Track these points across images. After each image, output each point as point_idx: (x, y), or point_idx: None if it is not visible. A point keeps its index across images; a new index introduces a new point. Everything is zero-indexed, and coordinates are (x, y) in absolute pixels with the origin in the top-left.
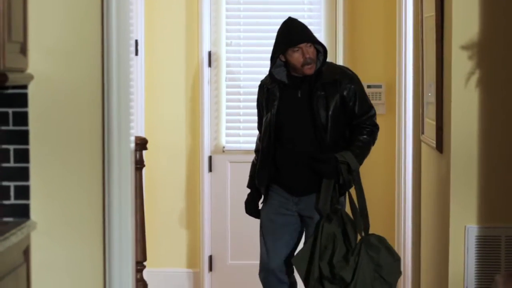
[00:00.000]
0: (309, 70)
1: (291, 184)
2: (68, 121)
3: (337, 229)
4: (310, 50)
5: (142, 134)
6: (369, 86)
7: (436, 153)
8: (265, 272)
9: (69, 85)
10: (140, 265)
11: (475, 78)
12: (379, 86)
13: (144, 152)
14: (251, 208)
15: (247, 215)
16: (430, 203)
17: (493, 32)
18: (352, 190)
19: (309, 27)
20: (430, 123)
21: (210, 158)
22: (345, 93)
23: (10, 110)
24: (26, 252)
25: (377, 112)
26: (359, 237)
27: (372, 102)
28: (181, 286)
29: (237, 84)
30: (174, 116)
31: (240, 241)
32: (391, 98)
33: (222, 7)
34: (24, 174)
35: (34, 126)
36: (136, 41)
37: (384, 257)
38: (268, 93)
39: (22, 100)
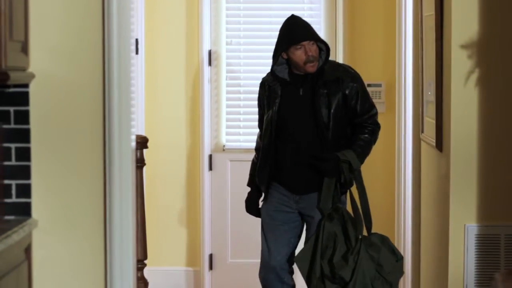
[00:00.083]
0: (312, 68)
1: (292, 182)
2: (69, 119)
3: (338, 227)
4: (312, 48)
5: (142, 132)
6: (369, 85)
7: (435, 151)
8: (265, 270)
9: (70, 83)
10: (140, 264)
11: (474, 77)
12: (379, 85)
13: (144, 150)
14: (251, 206)
15: (247, 214)
16: (430, 201)
17: (493, 31)
18: (354, 189)
19: None
20: (429, 121)
21: (210, 156)
22: (347, 91)
23: (11, 109)
24: (28, 250)
25: (377, 111)
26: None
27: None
28: (182, 284)
29: (237, 83)
30: (175, 114)
31: (240, 239)
32: (391, 97)
33: (222, 6)
34: (25, 172)
35: (35, 125)
36: (137, 40)
37: (385, 256)
38: (270, 91)
39: (23, 98)
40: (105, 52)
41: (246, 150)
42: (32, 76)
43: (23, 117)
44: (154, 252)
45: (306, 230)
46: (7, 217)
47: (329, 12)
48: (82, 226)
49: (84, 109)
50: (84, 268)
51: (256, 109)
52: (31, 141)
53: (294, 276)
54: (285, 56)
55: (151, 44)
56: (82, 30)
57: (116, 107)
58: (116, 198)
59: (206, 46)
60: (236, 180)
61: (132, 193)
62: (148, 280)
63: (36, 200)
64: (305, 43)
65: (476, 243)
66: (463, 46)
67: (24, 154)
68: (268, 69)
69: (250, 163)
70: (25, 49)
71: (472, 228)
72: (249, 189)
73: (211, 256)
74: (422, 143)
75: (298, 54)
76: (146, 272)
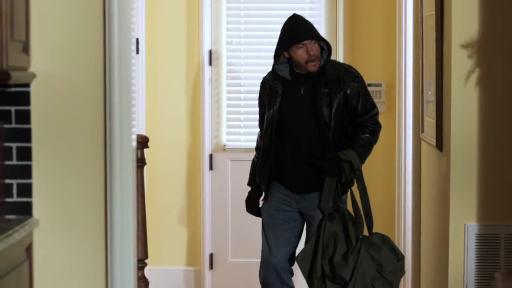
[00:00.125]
0: (313, 67)
1: (293, 181)
2: (70, 119)
3: (338, 227)
4: (314, 47)
5: (143, 132)
6: (369, 85)
7: (436, 151)
8: (266, 269)
9: (71, 83)
10: (141, 263)
11: (474, 76)
12: (379, 85)
13: (145, 150)
14: (251, 206)
15: (248, 213)
16: (430, 201)
17: (493, 31)
18: (354, 188)
19: None
20: (430, 121)
21: (210, 156)
22: (348, 91)
23: (12, 108)
24: (29, 250)
25: (379, 111)
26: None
27: None
28: (182, 284)
29: (238, 83)
30: (175, 114)
31: (240, 239)
32: (391, 97)
33: (222, 5)
34: (26, 172)
35: (36, 124)
36: (137, 40)
37: (385, 256)
38: (271, 90)
39: (24, 98)
40: (106, 52)
41: (247, 150)
42: (33, 75)
43: (24, 116)
44: (154, 252)
45: (307, 230)
46: (8, 217)
47: (330, 12)
48: (83, 225)
49: (85, 108)
50: (85, 267)
51: (257, 109)
52: (32, 140)
53: (294, 276)
54: (286, 55)
55: (151, 44)
56: (83, 30)
57: (117, 107)
58: (117, 198)
59: (206, 46)
60: (236, 180)
61: (133, 193)
62: (149, 280)
63: (37, 200)
64: (307, 42)
65: (476, 242)
66: (463, 46)
67: (25, 154)
68: (268, 68)
69: (250, 162)
70: (26, 49)
71: (472, 227)
72: (249, 188)
73: (211, 255)
74: (422, 143)
75: (300, 53)
76: (147, 271)
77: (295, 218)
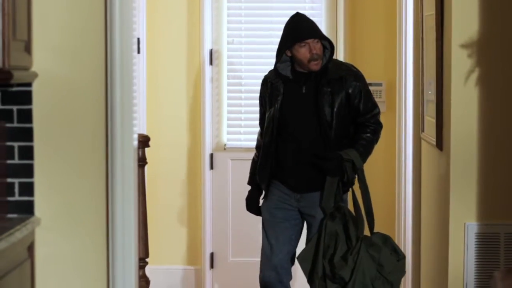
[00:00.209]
0: (316, 66)
1: (293, 181)
2: (72, 118)
3: (339, 227)
4: (317, 46)
5: (143, 131)
6: (369, 84)
7: (436, 150)
8: (266, 267)
9: (72, 82)
10: (142, 262)
11: (474, 76)
12: (380, 84)
13: (146, 149)
14: (251, 205)
15: (248, 213)
16: (430, 200)
17: (493, 30)
18: (356, 188)
19: None
20: (430, 121)
21: (211, 155)
22: (350, 90)
23: (14, 108)
24: (30, 248)
25: (380, 110)
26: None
27: None
28: (183, 283)
29: (239, 82)
30: (176, 113)
31: (241, 238)
32: (392, 96)
33: (223, 5)
34: (28, 170)
35: (38, 123)
36: (138, 39)
37: (386, 256)
38: (272, 88)
39: (26, 97)
40: (107, 51)
41: (247, 149)
42: (35, 75)
43: (26, 116)
44: (155, 251)
45: (307, 229)
46: (10, 215)
47: (330, 11)
48: (85, 224)
49: (87, 108)
50: (86, 266)
51: (258, 108)
52: (34, 139)
53: (294, 276)
54: (289, 53)
55: (152, 43)
56: (84, 29)
57: (118, 106)
58: (119, 197)
59: (207, 45)
60: (237, 179)
61: (134, 192)
62: (149, 279)
63: (39, 198)
64: (309, 41)
65: (476, 241)
66: (463, 46)
67: (27, 153)
68: (269, 68)
69: (250, 161)
70: (28, 48)
71: (472, 226)
72: (250, 187)
73: (212, 254)
74: (423, 142)
75: (303, 51)
76: (147, 270)
77: (296, 216)
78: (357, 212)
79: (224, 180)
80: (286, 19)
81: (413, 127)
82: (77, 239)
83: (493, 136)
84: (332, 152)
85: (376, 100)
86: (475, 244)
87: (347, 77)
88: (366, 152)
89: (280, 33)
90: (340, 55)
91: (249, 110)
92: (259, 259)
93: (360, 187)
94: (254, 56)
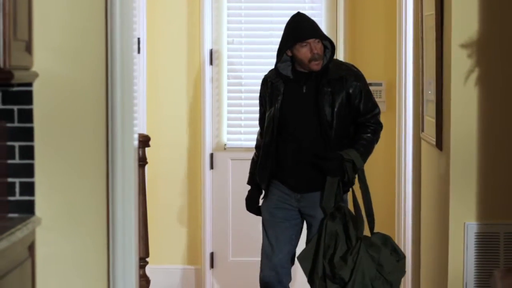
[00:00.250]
0: (316, 66)
1: (294, 181)
2: (73, 118)
3: (339, 227)
4: (318, 46)
5: (144, 131)
6: (369, 84)
7: (436, 150)
8: (266, 268)
9: (73, 82)
10: (142, 261)
11: (474, 76)
12: (380, 84)
13: (146, 149)
14: (251, 205)
15: (248, 212)
16: (430, 200)
17: (492, 30)
18: (356, 188)
19: None
20: (430, 120)
21: (211, 155)
22: (351, 90)
23: (15, 107)
24: (31, 248)
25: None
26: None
27: None
28: (183, 283)
29: (239, 82)
30: (176, 113)
31: (241, 238)
32: (392, 96)
33: (223, 5)
34: (29, 170)
35: (39, 123)
36: (138, 39)
37: (385, 256)
38: (272, 88)
39: (27, 97)
40: (108, 51)
41: (247, 149)
42: (36, 75)
43: (27, 115)
44: (155, 250)
45: (308, 230)
46: (10, 215)
47: (330, 11)
48: (85, 223)
49: (87, 108)
50: (87, 265)
51: (257, 108)
52: (34, 139)
53: (294, 276)
54: (289, 53)
55: (152, 43)
56: (85, 29)
57: (119, 106)
58: (119, 196)
59: (207, 45)
60: (237, 179)
61: (134, 191)
62: (150, 278)
63: (40, 198)
64: (310, 40)
65: (475, 241)
66: (463, 46)
67: (28, 153)
68: (269, 68)
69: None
70: (29, 48)
71: (472, 226)
72: (249, 187)
73: (212, 254)
74: (422, 142)
75: (303, 51)
76: (148, 270)
77: (296, 216)
78: (357, 212)
79: (224, 180)
80: (286, 19)
81: (413, 127)
82: (78, 238)
83: (492, 135)
84: (333, 152)
85: (376, 100)
86: (475, 244)
87: (348, 77)
88: (366, 152)
89: (280, 33)
90: (340, 55)
91: (249, 110)
92: (259, 259)
93: (361, 187)
94: (254, 56)
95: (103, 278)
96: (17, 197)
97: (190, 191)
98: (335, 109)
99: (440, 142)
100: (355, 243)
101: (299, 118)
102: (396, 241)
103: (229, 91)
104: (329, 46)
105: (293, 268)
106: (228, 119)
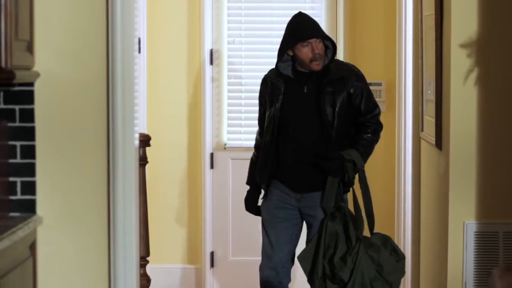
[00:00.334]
0: (317, 66)
1: (294, 181)
2: (74, 118)
3: (339, 227)
4: (319, 46)
5: (144, 131)
6: (369, 84)
7: (435, 150)
8: (266, 268)
9: (74, 82)
10: (143, 261)
11: (473, 76)
12: (379, 84)
13: (146, 149)
14: (251, 205)
15: (248, 212)
16: (429, 199)
17: (492, 30)
18: (356, 188)
19: None
20: (429, 120)
21: (211, 155)
22: (352, 90)
23: (16, 107)
24: (32, 247)
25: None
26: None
27: None
28: (183, 282)
29: (239, 82)
30: (176, 113)
31: (241, 237)
32: (391, 96)
33: (224, 5)
34: (30, 170)
35: (40, 123)
36: (139, 39)
37: (385, 256)
38: (272, 88)
39: (28, 97)
40: (109, 51)
41: (248, 149)
42: (37, 75)
43: (28, 115)
44: (155, 250)
45: (308, 229)
46: (12, 214)
47: (330, 11)
48: (86, 223)
49: (88, 107)
50: (88, 264)
51: (258, 108)
52: (36, 139)
53: (294, 276)
54: (290, 53)
55: (153, 43)
56: (86, 29)
57: (120, 106)
58: (120, 196)
59: (207, 45)
60: (237, 179)
61: (135, 191)
62: (150, 277)
63: (41, 197)
64: (312, 40)
65: (475, 240)
66: (463, 46)
67: (29, 152)
68: (269, 67)
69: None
70: (30, 48)
71: (471, 225)
72: (249, 187)
73: (212, 254)
74: (422, 142)
75: (305, 51)
76: (148, 269)
77: (296, 216)
78: (357, 212)
79: (224, 180)
80: (287, 19)
81: (413, 127)
82: (79, 237)
83: (492, 135)
84: (334, 152)
85: (376, 100)
86: (474, 243)
87: (349, 77)
88: (366, 152)
89: (281, 33)
90: (340, 55)
91: (249, 109)
92: (259, 259)
93: (361, 187)
94: (254, 56)
95: (104, 277)
96: (19, 196)
97: (190, 191)
98: (336, 109)
99: (440, 142)
100: (355, 243)
101: (299, 118)
102: (395, 241)
103: (229, 91)
104: (330, 46)
105: (293, 268)
106: (228, 118)
